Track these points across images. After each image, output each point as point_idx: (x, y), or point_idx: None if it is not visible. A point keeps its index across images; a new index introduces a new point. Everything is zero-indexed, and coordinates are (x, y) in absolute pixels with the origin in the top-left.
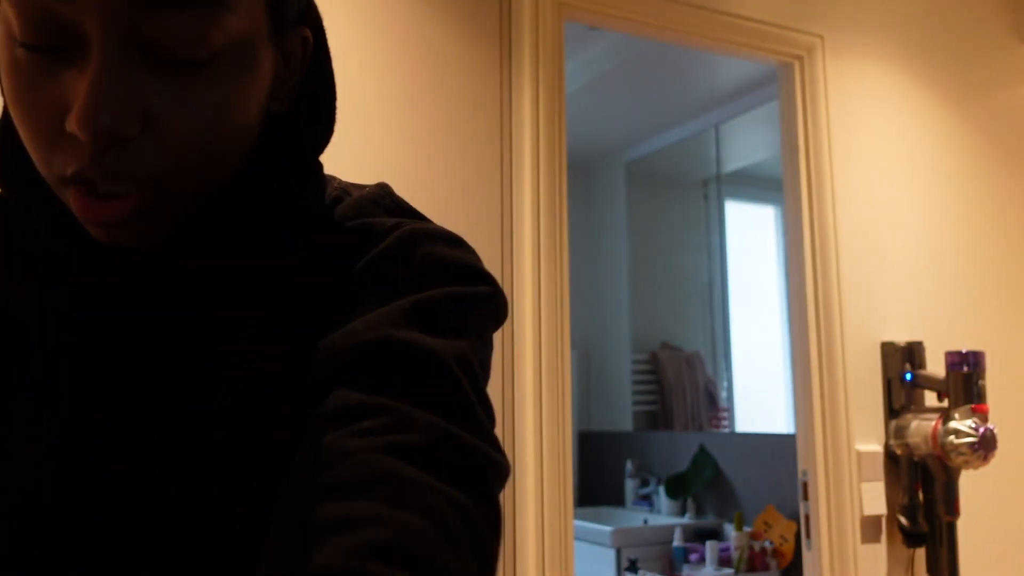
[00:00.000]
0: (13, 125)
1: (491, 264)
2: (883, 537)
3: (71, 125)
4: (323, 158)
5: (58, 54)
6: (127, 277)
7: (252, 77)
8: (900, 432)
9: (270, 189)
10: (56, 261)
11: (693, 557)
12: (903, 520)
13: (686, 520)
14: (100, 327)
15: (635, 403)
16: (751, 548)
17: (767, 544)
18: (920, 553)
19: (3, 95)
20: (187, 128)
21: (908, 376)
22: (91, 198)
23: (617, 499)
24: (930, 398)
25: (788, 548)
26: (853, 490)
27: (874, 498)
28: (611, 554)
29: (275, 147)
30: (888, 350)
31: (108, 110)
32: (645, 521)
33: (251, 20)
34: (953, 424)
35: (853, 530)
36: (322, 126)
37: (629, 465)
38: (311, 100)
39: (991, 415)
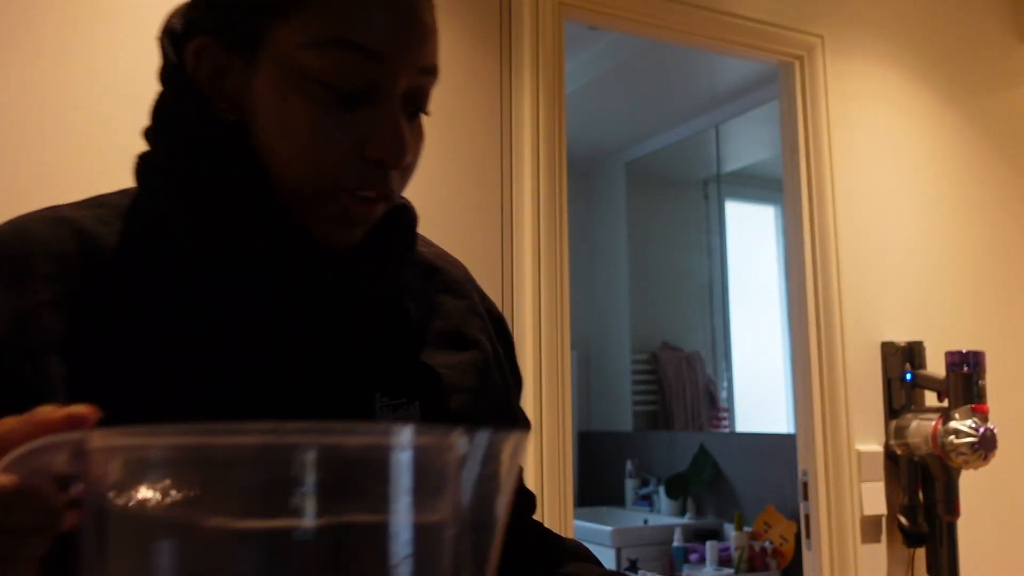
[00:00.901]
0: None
1: (491, 264)
2: (883, 537)
3: (379, 154)
4: None
5: (352, 97)
6: (338, 268)
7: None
8: (900, 432)
9: (405, 213)
10: (276, 259)
11: (693, 557)
12: (903, 520)
13: (686, 520)
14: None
15: (635, 403)
16: (751, 548)
17: (767, 544)
18: (920, 553)
19: (289, 124)
20: (411, 161)
21: (908, 376)
22: (363, 203)
23: (617, 499)
24: (930, 398)
25: (788, 548)
26: (853, 490)
27: (874, 498)
28: (611, 554)
29: None
30: (888, 350)
31: (405, 150)
32: (645, 521)
33: None
34: (953, 424)
35: (853, 530)
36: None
37: (629, 465)
38: None
39: (991, 415)
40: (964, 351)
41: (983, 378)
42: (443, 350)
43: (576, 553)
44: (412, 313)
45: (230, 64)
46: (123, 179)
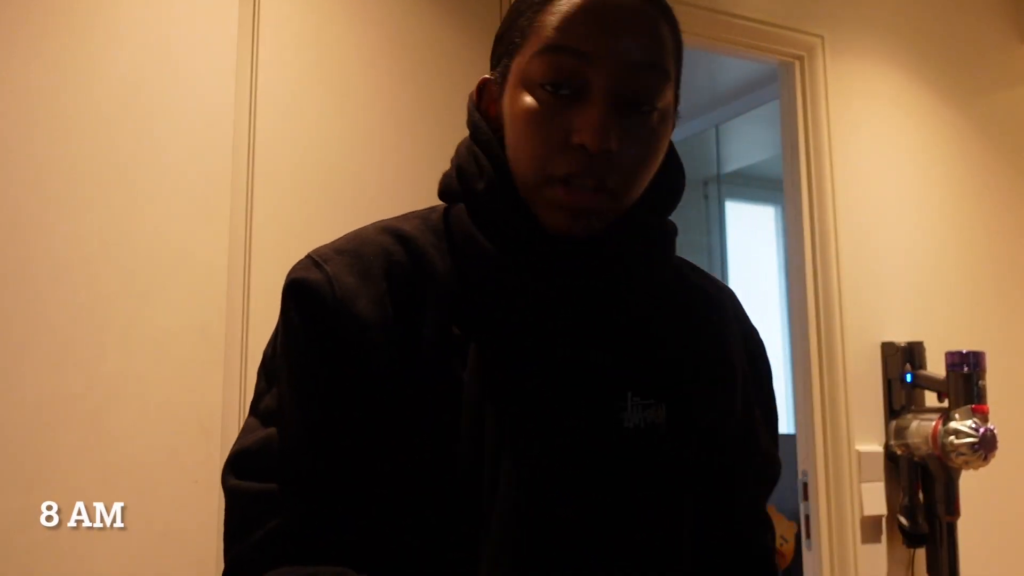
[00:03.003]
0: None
1: None
2: (883, 537)
3: (581, 139)
4: (336, 159)
5: (567, 95)
6: (566, 265)
7: (666, 133)
8: (900, 432)
9: (658, 220)
10: (518, 253)
11: None
12: (903, 520)
13: None
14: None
15: None
16: None
17: None
18: (920, 553)
19: (516, 122)
20: (633, 156)
21: (908, 376)
22: (578, 190)
23: None
24: (930, 398)
25: (788, 548)
26: (853, 490)
27: (874, 498)
28: None
29: (649, 192)
30: (888, 350)
31: (608, 133)
32: None
33: (674, 95)
34: (953, 424)
35: (853, 530)
36: (676, 192)
37: None
38: (671, 172)
39: (991, 415)
40: (964, 351)
41: (983, 378)
42: (700, 365)
43: None
44: (671, 326)
45: (497, 93)
46: (120, 181)
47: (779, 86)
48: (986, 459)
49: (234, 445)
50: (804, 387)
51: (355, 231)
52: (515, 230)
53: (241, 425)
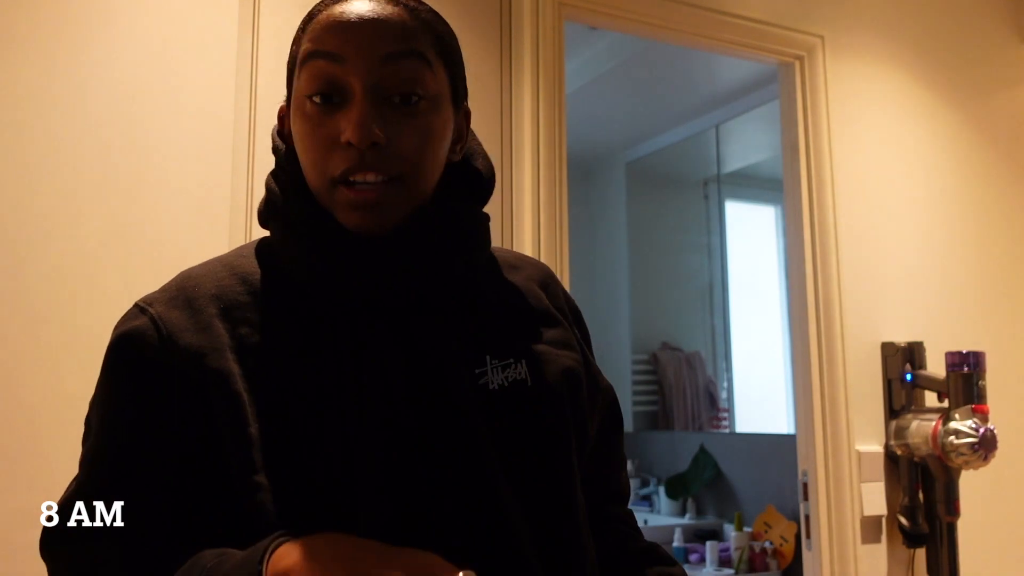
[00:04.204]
0: (287, 180)
1: None
2: (883, 537)
3: (347, 137)
4: None
5: (332, 102)
6: (374, 260)
7: (442, 122)
8: (900, 432)
9: (460, 210)
10: (326, 259)
11: (693, 557)
12: (903, 520)
13: (686, 520)
14: (377, 297)
15: (635, 403)
16: (751, 548)
17: (767, 545)
18: (920, 553)
19: (297, 136)
20: (408, 144)
21: (908, 376)
22: (356, 188)
23: None
24: (930, 398)
25: (788, 548)
26: (853, 490)
27: (874, 498)
28: None
29: (455, 185)
30: (888, 350)
31: (369, 126)
32: (645, 522)
33: (441, 82)
34: (953, 424)
35: (853, 530)
36: (487, 183)
37: (629, 465)
38: (475, 162)
39: (991, 415)
40: (964, 351)
41: (983, 378)
42: (538, 326)
43: (659, 558)
44: (503, 297)
45: (287, 115)
46: (120, 182)
47: (779, 86)
48: (986, 459)
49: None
50: (804, 387)
51: (181, 273)
52: (321, 235)
53: None
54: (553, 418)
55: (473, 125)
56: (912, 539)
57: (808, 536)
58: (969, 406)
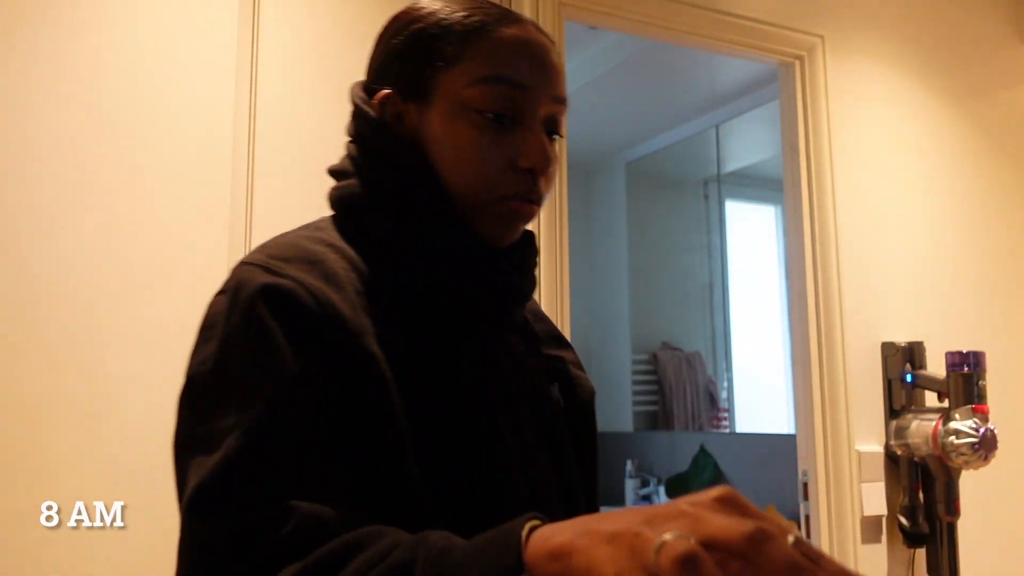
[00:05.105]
0: (420, 191)
1: None
2: (883, 537)
3: (529, 162)
4: (335, 159)
5: (503, 122)
6: (507, 260)
7: None
8: (900, 432)
9: (532, 232)
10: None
11: None
12: (903, 520)
13: None
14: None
15: (635, 403)
16: None
17: None
18: (920, 553)
19: (459, 145)
20: (551, 173)
21: (908, 376)
22: (523, 205)
23: (617, 499)
24: (930, 398)
25: None
26: (853, 490)
27: (874, 498)
28: None
29: None
30: (888, 350)
31: (552, 158)
32: None
33: None
34: (953, 424)
35: (853, 530)
36: None
37: (629, 465)
38: None
39: (991, 415)
40: (964, 351)
41: (983, 378)
42: (554, 347)
43: None
44: (527, 317)
45: (406, 109)
46: (120, 181)
47: (779, 86)
48: (986, 459)
49: (189, 486)
50: (804, 387)
51: (275, 242)
52: (459, 242)
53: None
54: (587, 437)
55: None
56: (912, 539)
57: (808, 536)
58: (969, 406)
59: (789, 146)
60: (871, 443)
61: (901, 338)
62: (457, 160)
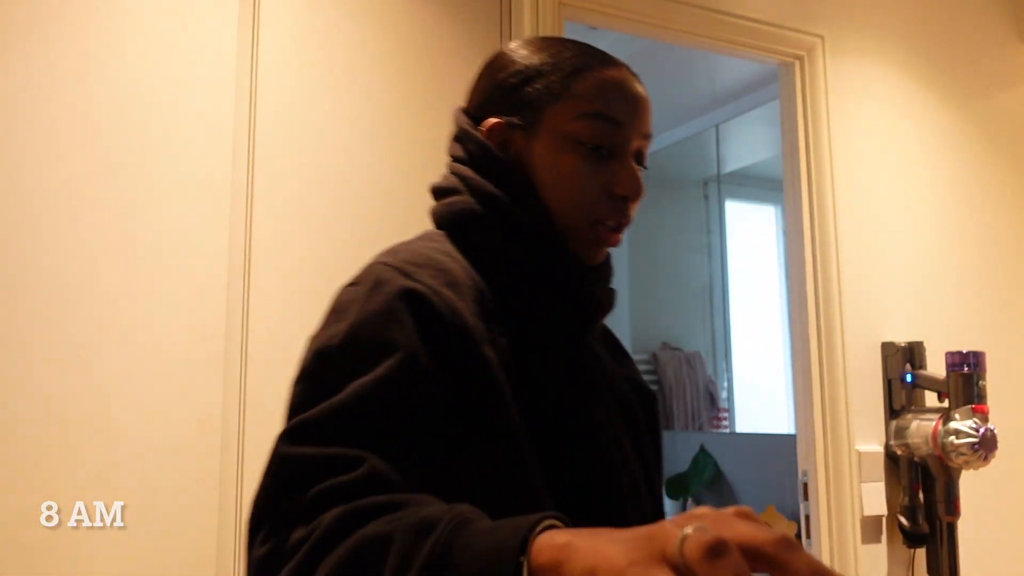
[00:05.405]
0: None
1: None
2: (883, 537)
3: (624, 191)
4: (335, 160)
5: (599, 152)
6: (597, 279)
7: None
8: (900, 432)
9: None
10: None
11: None
12: (903, 520)
13: None
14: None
15: None
16: None
17: None
18: (920, 553)
19: (562, 173)
20: (638, 203)
21: (908, 376)
22: (614, 230)
23: None
24: (930, 398)
25: None
26: (853, 490)
27: (874, 498)
28: None
29: None
30: (888, 350)
31: (641, 188)
32: None
33: None
34: (953, 424)
35: (853, 530)
36: None
37: None
38: None
39: (991, 415)
40: (964, 351)
41: (983, 378)
42: (621, 355)
43: None
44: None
45: (512, 137)
46: (121, 182)
47: (779, 86)
48: (986, 459)
49: (290, 421)
50: (804, 387)
51: (405, 248)
52: (557, 256)
53: (240, 425)
54: (654, 442)
55: None
56: (912, 539)
57: (808, 536)
58: (969, 406)
59: (789, 146)
60: (871, 443)
61: (901, 338)
62: (559, 185)
